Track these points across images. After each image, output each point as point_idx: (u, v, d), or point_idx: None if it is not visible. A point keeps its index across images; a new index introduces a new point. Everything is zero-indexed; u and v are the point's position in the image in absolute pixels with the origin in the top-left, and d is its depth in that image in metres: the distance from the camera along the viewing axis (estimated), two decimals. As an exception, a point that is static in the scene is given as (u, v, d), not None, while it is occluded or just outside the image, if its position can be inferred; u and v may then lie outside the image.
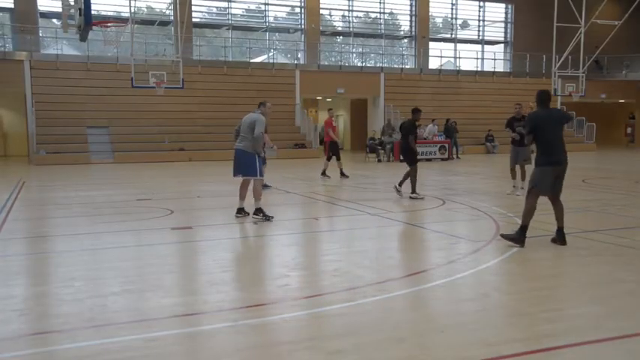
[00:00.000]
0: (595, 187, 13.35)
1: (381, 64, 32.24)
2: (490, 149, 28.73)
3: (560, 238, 6.77)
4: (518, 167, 11.71)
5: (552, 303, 4.74)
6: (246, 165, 8.61)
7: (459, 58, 33.71)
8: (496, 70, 33.58)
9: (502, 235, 6.86)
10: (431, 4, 33.11)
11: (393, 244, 7.77)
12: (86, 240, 7.58)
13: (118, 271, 5.90)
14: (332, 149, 15.31)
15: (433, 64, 33.28)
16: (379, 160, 23.07)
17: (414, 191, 11.13)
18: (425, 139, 24.49)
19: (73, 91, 24.57)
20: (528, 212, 6.68)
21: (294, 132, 27.45)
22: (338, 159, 15.31)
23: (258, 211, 8.65)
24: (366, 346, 3.84)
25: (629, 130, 36.81)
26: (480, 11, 34.86)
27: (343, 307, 4.65)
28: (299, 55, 30.66)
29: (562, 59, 26.08)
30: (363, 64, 31.63)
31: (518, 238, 6.65)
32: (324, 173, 15.32)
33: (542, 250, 6.69)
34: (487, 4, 34.81)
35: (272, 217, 8.61)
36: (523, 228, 6.65)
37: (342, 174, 15.30)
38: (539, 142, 6.78)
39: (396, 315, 4.58)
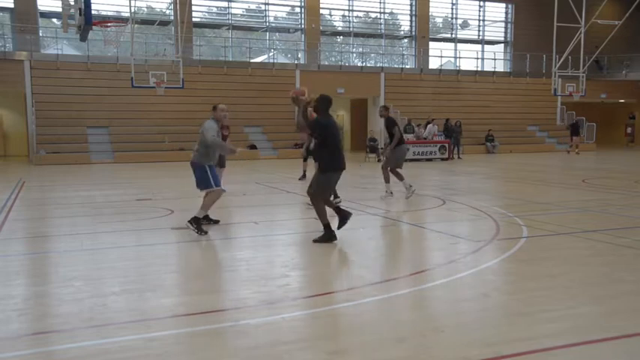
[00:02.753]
0: (595, 187, 13.35)
1: (381, 64, 32.22)
2: (490, 149, 28.75)
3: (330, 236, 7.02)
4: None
5: (552, 303, 4.74)
6: (200, 179, 7.97)
7: (459, 58, 33.71)
8: (496, 70, 33.56)
9: (314, 241, 7.06)
10: (431, 4, 33.09)
11: (393, 244, 7.77)
12: (86, 240, 7.59)
13: (118, 271, 5.90)
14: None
15: (433, 64, 33.27)
16: (379, 160, 23.04)
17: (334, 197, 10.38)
18: (425, 139, 24.53)
19: (73, 91, 24.58)
20: (324, 212, 7.06)
21: (294, 132, 27.43)
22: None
23: (195, 220, 7.73)
24: (366, 346, 3.84)
25: (629, 130, 36.80)
26: (480, 11, 34.84)
27: (343, 307, 4.66)
28: (299, 55, 30.65)
29: (562, 59, 26.09)
30: (363, 64, 31.61)
31: (329, 236, 7.00)
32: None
33: (542, 250, 6.69)
34: (487, 4, 34.79)
35: (205, 233, 7.70)
36: (327, 226, 7.03)
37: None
38: (330, 148, 7.08)
39: (396, 315, 4.58)
